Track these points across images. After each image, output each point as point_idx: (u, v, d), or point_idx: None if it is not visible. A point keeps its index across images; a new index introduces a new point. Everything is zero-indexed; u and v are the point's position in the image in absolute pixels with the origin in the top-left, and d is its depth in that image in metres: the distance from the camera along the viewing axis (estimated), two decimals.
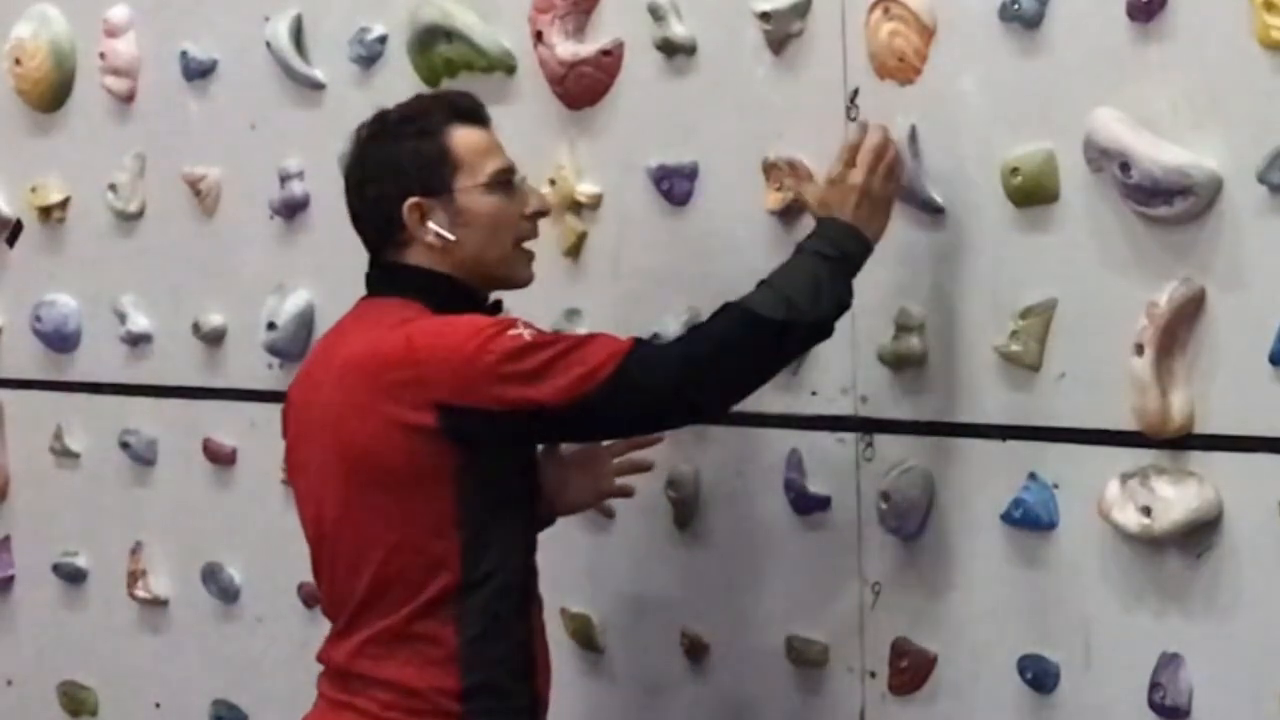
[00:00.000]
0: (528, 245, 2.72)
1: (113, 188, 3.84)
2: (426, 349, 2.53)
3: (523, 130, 3.15)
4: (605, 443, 2.87)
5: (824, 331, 2.62)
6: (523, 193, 2.71)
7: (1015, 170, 2.62)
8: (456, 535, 2.56)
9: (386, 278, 2.69)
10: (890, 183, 2.65)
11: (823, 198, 2.66)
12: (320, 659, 2.71)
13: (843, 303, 2.61)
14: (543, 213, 2.76)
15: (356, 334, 2.63)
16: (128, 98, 3.82)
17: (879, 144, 2.64)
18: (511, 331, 2.53)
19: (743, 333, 2.57)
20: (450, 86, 3.24)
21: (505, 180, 2.68)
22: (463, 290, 2.65)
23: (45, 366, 4.04)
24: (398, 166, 2.64)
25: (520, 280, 2.72)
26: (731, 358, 2.58)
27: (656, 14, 3.00)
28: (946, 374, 2.75)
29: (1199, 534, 2.50)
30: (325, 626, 2.74)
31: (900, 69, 2.75)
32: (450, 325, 2.56)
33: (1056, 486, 2.64)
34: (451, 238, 2.63)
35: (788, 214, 2.89)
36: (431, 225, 2.63)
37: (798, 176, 2.74)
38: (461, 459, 2.54)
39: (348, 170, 2.72)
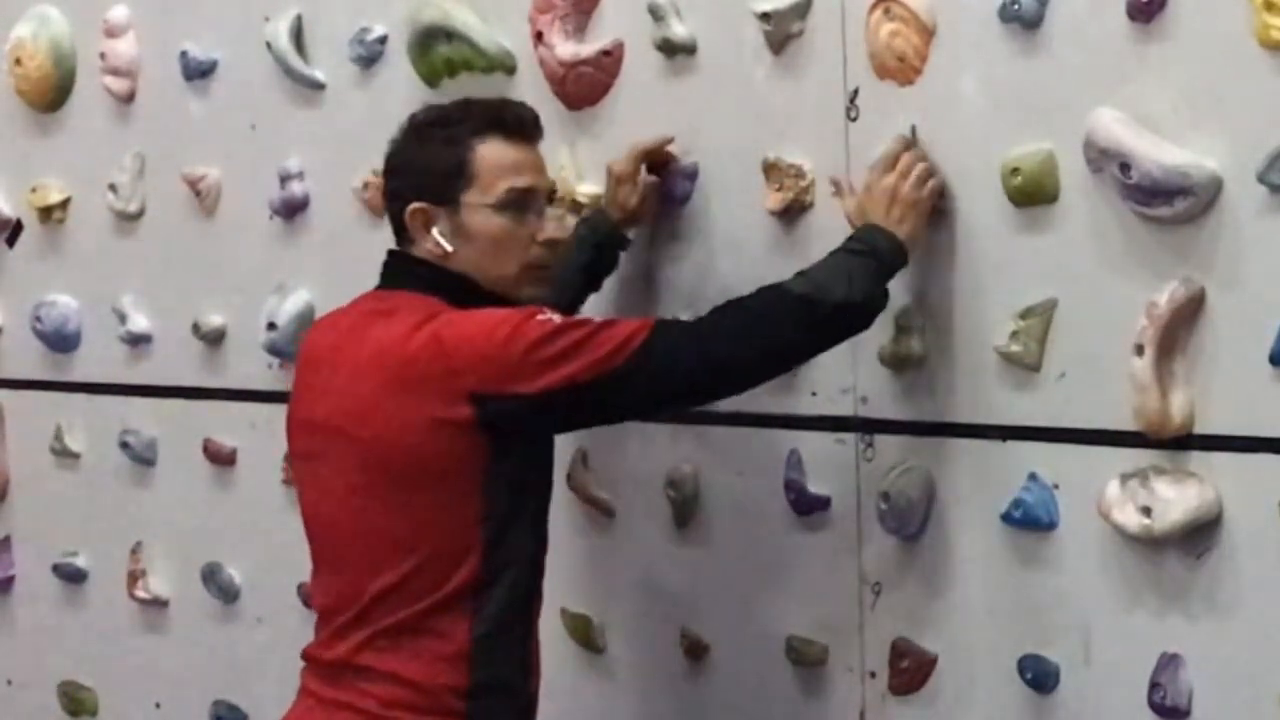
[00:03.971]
0: (539, 267, 2.69)
1: (113, 188, 3.84)
2: (456, 341, 2.53)
3: None
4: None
5: (852, 315, 2.59)
6: (540, 216, 2.68)
7: (1015, 170, 2.62)
8: (480, 531, 2.56)
9: (404, 270, 2.69)
10: (920, 187, 2.67)
11: (858, 205, 2.69)
12: (310, 654, 2.70)
13: (872, 294, 2.60)
14: (556, 241, 2.71)
15: (376, 328, 2.61)
16: (128, 98, 3.82)
17: (914, 154, 2.68)
18: (540, 317, 2.53)
19: (768, 308, 2.58)
20: (450, 86, 3.25)
21: (518, 201, 2.64)
22: (476, 288, 2.65)
23: (45, 366, 4.05)
24: (413, 168, 2.66)
25: (518, 302, 2.66)
26: (756, 333, 2.57)
27: (656, 14, 3.00)
28: (946, 374, 2.75)
29: (1199, 534, 2.50)
30: None
31: (900, 69, 2.75)
32: (476, 317, 2.56)
33: (1056, 486, 2.64)
34: (449, 249, 2.63)
35: (788, 214, 2.89)
36: (433, 233, 2.63)
37: (840, 191, 2.74)
38: (492, 453, 2.54)
39: (385, 157, 2.74)
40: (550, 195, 2.73)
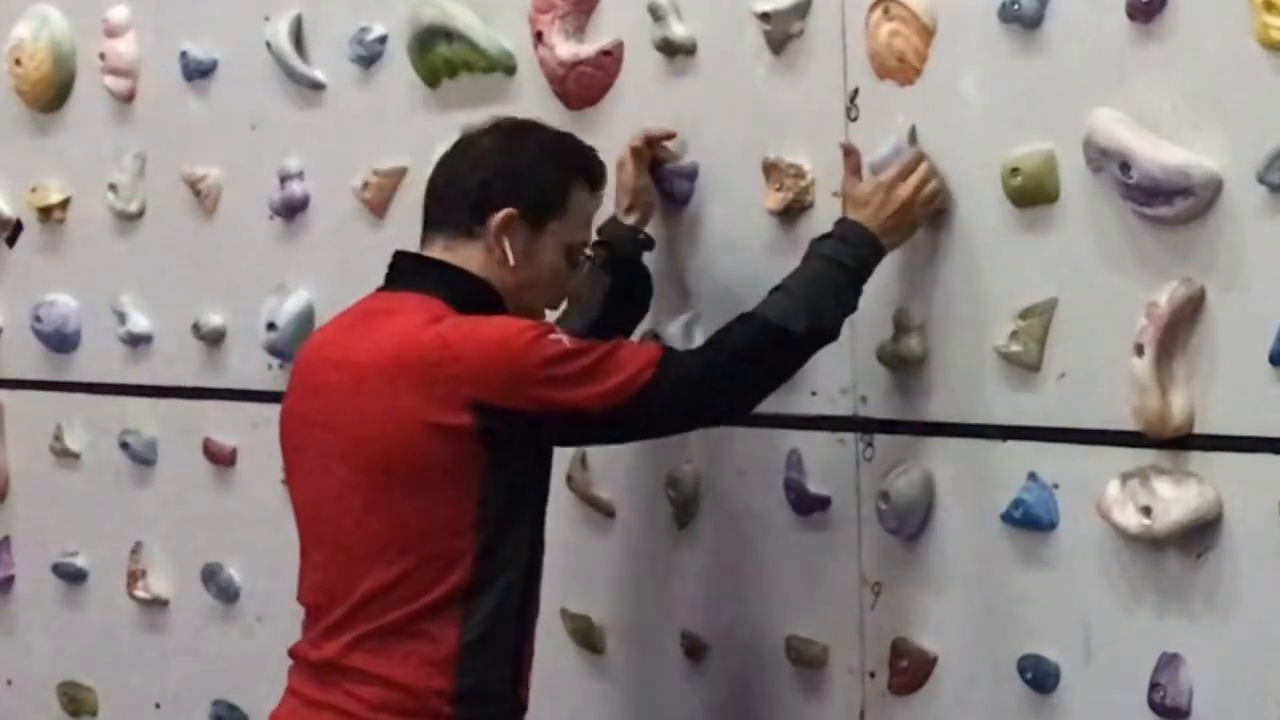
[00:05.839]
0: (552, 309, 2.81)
1: (113, 188, 3.84)
2: (464, 347, 2.53)
3: None
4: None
5: (835, 336, 2.68)
6: (580, 270, 2.78)
7: (1015, 170, 2.62)
8: (473, 536, 2.56)
9: (417, 271, 2.68)
10: (927, 208, 2.70)
11: (860, 195, 2.69)
12: (297, 653, 2.70)
13: (853, 309, 2.68)
14: (574, 296, 2.84)
15: (378, 328, 2.61)
16: (128, 98, 3.82)
17: (930, 170, 2.69)
18: (552, 336, 2.55)
19: (766, 344, 2.62)
20: (450, 86, 3.25)
21: (579, 252, 2.74)
22: (491, 298, 2.65)
23: (45, 366, 4.05)
24: (522, 173, 2.68)
25: None
26: (755, 368, 2.63)
27: (656, 14, 3.00)
28: (946, 374, 2.75)
29: (1199, 534, 2.50)
30: None
31: (900, 69, 2.75)
32: (488, 326, 2.57)
33: (1056, 486, 2.64)
34: (512, 262, 2.65)
35: (788, 214, 2.89)
36: (506, 240, 2.65)
37: (850, 166, 2.73)
38: (489, 460, 2.54)
39: (470, 140, 2.73)
40: None
